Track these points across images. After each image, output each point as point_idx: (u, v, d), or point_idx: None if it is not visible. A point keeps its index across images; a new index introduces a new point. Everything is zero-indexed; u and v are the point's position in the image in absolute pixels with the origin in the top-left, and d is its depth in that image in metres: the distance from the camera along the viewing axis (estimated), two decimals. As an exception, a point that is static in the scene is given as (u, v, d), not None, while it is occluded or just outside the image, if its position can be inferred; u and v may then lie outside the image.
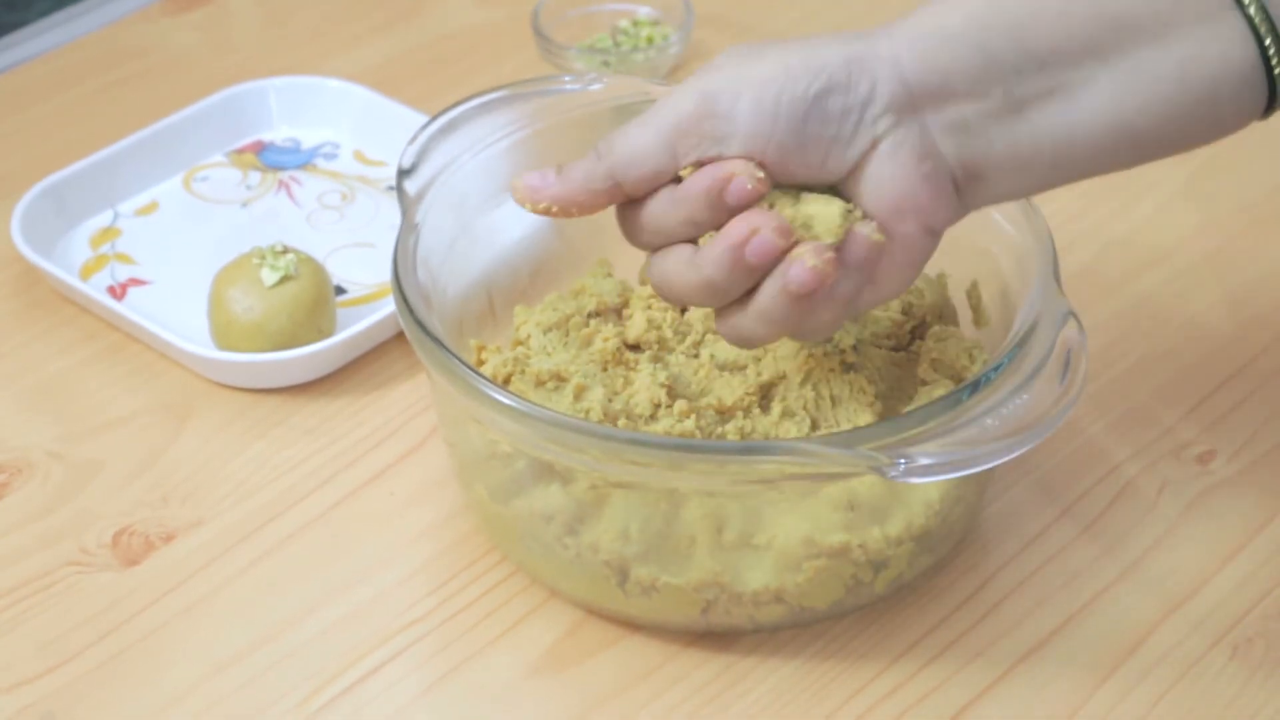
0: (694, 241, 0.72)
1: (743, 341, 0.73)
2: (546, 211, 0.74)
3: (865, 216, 0.71)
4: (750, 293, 0.71)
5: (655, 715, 0.77)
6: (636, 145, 0.71)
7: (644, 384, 0.79)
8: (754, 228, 0.69)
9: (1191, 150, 0.72)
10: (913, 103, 0.70)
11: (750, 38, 1.19)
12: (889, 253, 0.71)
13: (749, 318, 0.72)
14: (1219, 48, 0.69)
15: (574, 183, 0.73)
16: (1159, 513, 0.85)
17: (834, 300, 0.71)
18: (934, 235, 0.72)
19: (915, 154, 0.70)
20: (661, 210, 0.72)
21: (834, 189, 0.72)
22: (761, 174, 0.70)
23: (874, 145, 0.70)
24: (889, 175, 0.70)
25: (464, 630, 0.80)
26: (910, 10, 0.71)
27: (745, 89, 0.70)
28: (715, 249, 0.70)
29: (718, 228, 0.71)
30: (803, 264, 0.69)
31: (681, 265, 0.72)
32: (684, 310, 0.85)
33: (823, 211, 0.70)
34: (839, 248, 0.70)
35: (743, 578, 0.76)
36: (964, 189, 0.71)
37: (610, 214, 0.88)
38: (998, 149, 0.70)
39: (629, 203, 0.73)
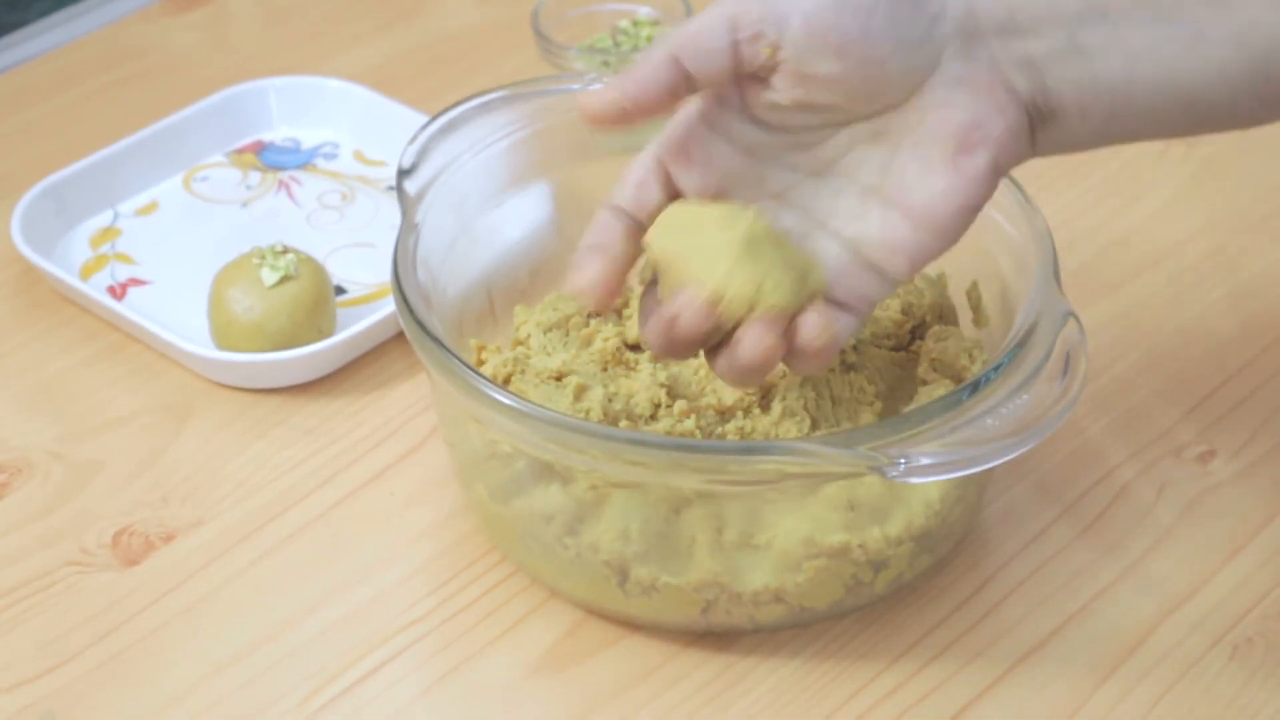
0: None
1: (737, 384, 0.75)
2: (620, 112, 0.71)
3: (823, 296, 0.72)
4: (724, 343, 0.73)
5: (655, 715, 0.77)
6: (696, 21, 0.70)
7: (644, 384, 0.79)
8: (675, 314, 0.71)
9: (1248, 128, 0.72)
10: (979, 31, 0.70)
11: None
12: (952, 192, 0.70)
13: (719, 370, 0.74)
14: (1277, 17, 0.69)
15: (638, 74, 0.71)
16: (1159, 513, 0.85)
17: (807, 363, 0.73)
18: (998, 174, 0.71)
19: (988, 82, 0.70)
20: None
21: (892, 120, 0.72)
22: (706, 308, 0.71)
23: (938, 66, 0.70)
24: (960, 101, 0.70)
25: (464, 630, 0.80)
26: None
27: None
28: (650, 325, 0.73)
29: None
30: (748, 346, 0.71)
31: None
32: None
33: (781, 279, 0.71)
34: (791, 330, 0.71)
35: (743, 578, 0.76)
36: (1036, 128, 0.71)
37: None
38: (1065, 89, 0.70)
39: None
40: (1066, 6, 0.70)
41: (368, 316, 0.93)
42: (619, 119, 0.71)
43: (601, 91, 0.71)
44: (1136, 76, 0.70)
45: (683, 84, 0.71)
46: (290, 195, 1.05)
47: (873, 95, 0.71)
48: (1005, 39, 0.70)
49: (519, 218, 0.88)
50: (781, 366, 0.80)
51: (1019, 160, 0.72)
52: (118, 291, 0.98)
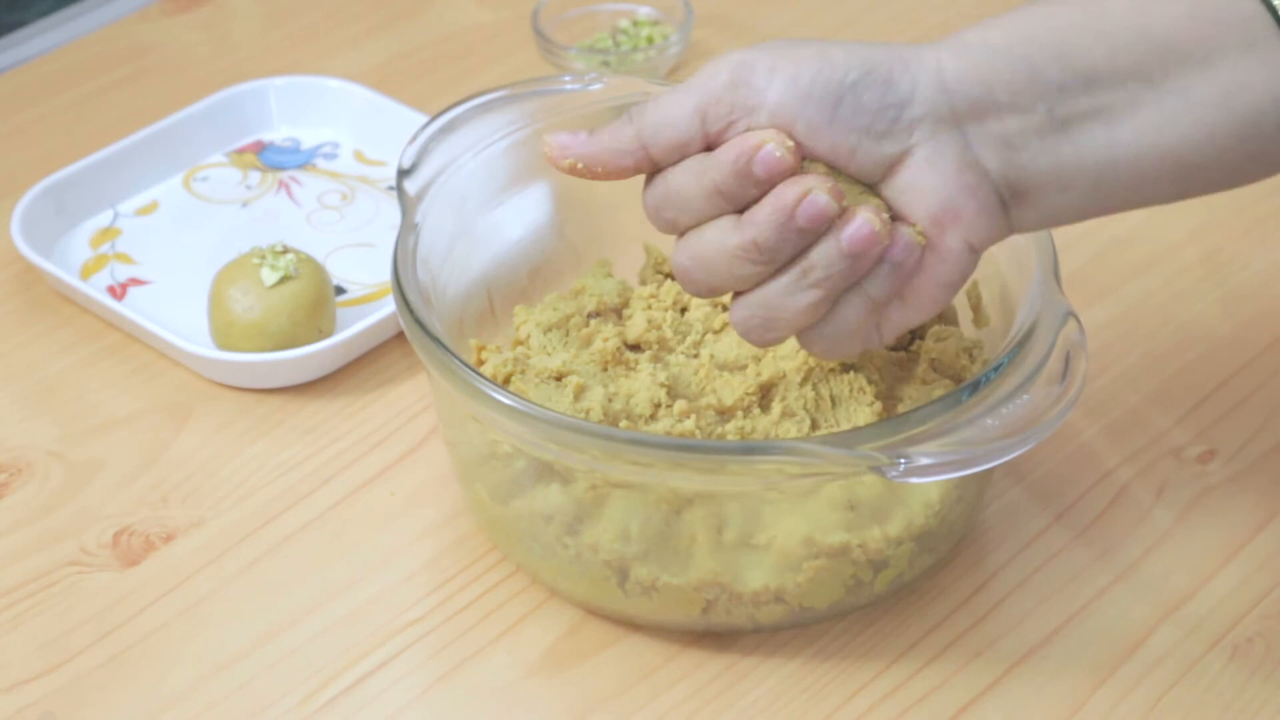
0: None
1: (770, 324, 0.71)
2: (572, 169, 0.72)
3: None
4: (780, 271, 0.70)
5: (655, 715, 0.77)
6: (666, 109, 0.70)
7: (644, 384, 0.79)
8: (807, 189, 0.69)
9: (1236, 186, 0.71)
10: (954, 111, 0.69)
11: (750, 38, 1.19)
12: (927, 267, 0.70)
13: (788, 281, 0.70)
14: (1265, 76, 0.68)
15: (601, 143, 0.72)
16: (1159, 513, 0.85)
17: (864, 296, 0.70)
18: (974, 253, 0.71)
19: (957, 164, 0.69)
20: (687, 178, 0.71)
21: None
22: (792, 144, 0.69)
23: (909, 150, 0.69)
24: (929, 184, 0.69)
25: (464, 630, 0.80)
26: (935, 27, 0.71)
27: (782, 64, 0.69)
28: (764, 209, 0.69)
29: (745, 205, 0.70)
30: (865, 219, 0.68)
31: (721, 232, 0.70)
32: (684, 310, 0.85)
33: (857, 199, 0.70)
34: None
35: (743, 578, 0.76)
36: (1010, 206, 0.70)
37: (608, 215, 0.89)
38: (1041, 165, 0.69)
39: (656, 174, 0.72)
40: (1048, 76, 0.69)
41: (368, 316, 0.93)
42: (568, 171, 0.73)
43: (562, 139, 0.72)
44: (1120, 143, 0.69)
45: (645, 164, 0.71)
46: (290, 195, 1.05)
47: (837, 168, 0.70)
48: (980, 117, 0.69)
49: (519, 218, 0.88)
50: (781, 368, 0.80)
51: (996, 238, 0.71)
52: (118, 291, 0.98)
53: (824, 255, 0.69)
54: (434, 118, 0.86)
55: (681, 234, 0.72)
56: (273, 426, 0.90)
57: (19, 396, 0.93)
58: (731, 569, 0.76)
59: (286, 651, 0.79)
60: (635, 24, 1.18)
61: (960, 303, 0.85)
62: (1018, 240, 0.80)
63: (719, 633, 0.79)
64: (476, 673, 0.78)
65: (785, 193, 0.69)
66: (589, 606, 0.80)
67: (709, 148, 0.70)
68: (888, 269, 0.70)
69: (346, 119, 1.09)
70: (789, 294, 0.70)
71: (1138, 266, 0.99)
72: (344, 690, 0.78)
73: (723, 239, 0.70)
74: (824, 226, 0.69)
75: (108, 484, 0.87)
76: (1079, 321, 0.75)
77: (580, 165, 0.72)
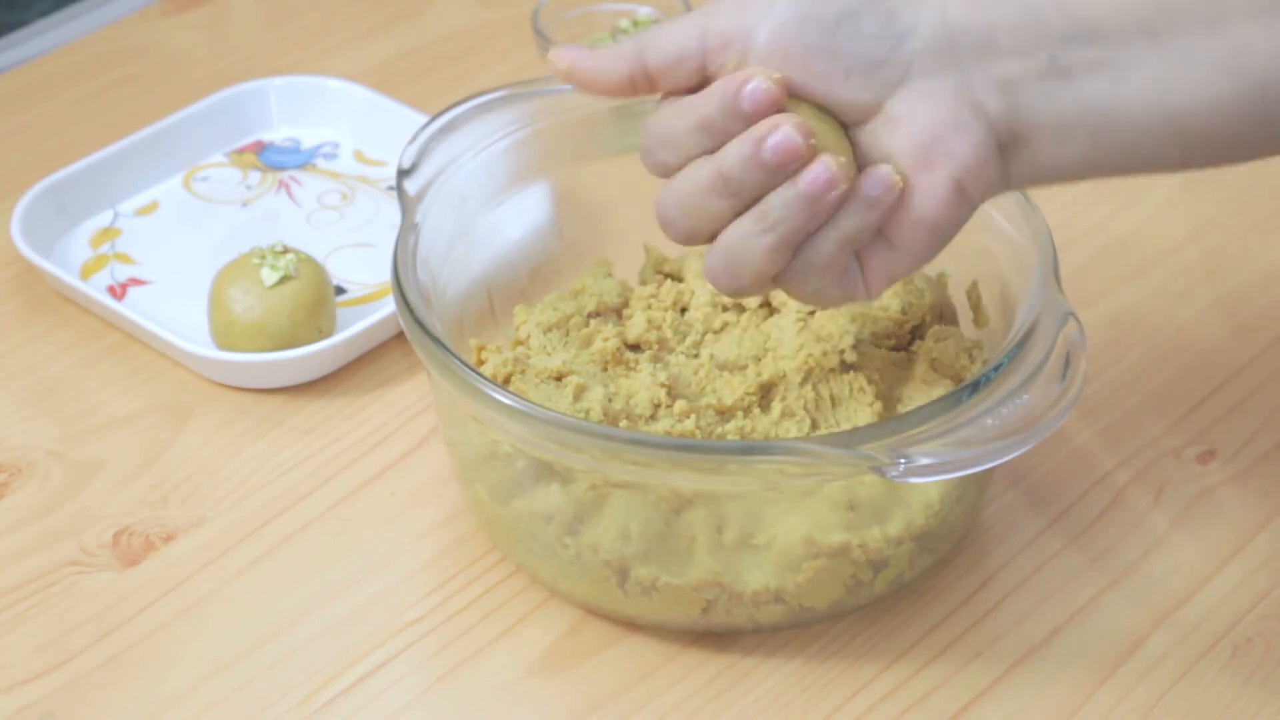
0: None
1: (733, 268, 0.71)
2: (568, 74, 0.72)
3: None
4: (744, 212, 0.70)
5: (655, 715, 0.77)
6: (667, 26, 0.71)
7: (644, 384, 0.79)
8: (776, 124, 0.69)
9: (1238, 163, 0.70)
10: (954, 50, 0.69)
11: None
12: (910, 208, 0.70)
13: (748, 223, 0.70)
14: (1269, 41, 0.67)
15: (600, 55, 0.72)
16: (1159, 513, 0.85)
17: (837, 234, 0.70)
18: (965, 197, 0.70)
19: (953, 99, 0.68)
20: (676, 118, 0.71)
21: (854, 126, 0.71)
22: (779, 76, 0.69)
23: (904, 82, 0.69)
24: (920, 114, 0.69)
25: (464, 630, 0.80)
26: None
27: None
28: (736, 142, 0.69)
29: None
30: (823, 164, 0.68)
31: (695, 169, 0.70)
32: (684, 310, 0.85)
33: (836, 136, 0.70)
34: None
35: (743, 578, 0.76)
36: (1007, 153, 0.70)
37: (608, 214, 0.89)
38: (1040, 112, 0.69)
39: (651, 119, 0.72)
40: (1051, 24, 0.68)
41: (368, 316, 0.93)
42: (564, 76, 0.73)
43: (569, 52, 0.72)
44: (1122, 97, 0.68)
45: (642, 80, 0.71)
46: (290, 195, 1.05)
47: (835, 109, 0.70)
48: (981, 58, 0.69)
49: (519, 218, 0.88)
50: (781, 368, 0.80)
51: (988, 185, 0.70)
52: (118, 291, 0.98)
53: (781, 197, 0.69)
54: (434, 118, 0.86)
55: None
56: (273, 426, 0.90)
57: (19, 396, 0.93)
58: (731, 569, 0.76)
59: (286, 651, 0.79)
60: (635, 24, 1.18)
61: (960, 303, 0.85)
62: (1018, 240, 0.80)
63: (719, 633, 0.79)
64: (476, 673, 0.78)
65: (759, 126, 0.69)
66: (589, 606, 0.80)
67: (703, 69, 0.70)
68: (862, 205, 0.69)
69: (346, 119, 1.09)
70: (748, 236, 0.70)
71: (1138, 266, 0.99)
72: (344, 690, 0.78)
73: (695, 174, 0.70)
74: (791, 164, 0.69)
75: (108, 484, 0.87)
76: (1079, 321, 0.75)
77: (577, 74, 0.72)
